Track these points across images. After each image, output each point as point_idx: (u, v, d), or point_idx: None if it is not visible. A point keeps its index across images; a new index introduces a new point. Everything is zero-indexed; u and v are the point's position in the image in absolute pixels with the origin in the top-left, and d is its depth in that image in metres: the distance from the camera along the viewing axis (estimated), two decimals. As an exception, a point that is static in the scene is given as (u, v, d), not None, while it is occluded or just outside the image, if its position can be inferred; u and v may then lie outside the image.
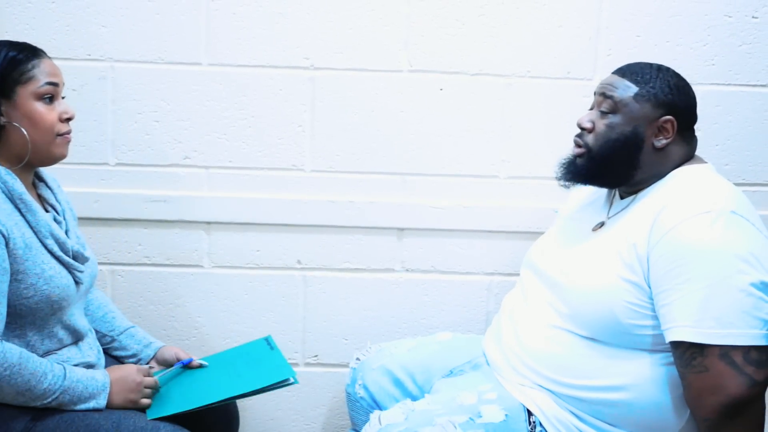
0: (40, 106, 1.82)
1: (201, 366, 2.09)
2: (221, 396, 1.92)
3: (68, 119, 1.87)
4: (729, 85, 2.50)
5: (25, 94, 1.80)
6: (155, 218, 2.51)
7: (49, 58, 1.88)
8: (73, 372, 1.81)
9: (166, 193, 2.49)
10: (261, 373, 2.00)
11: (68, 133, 1.88)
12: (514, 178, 2.53)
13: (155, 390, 1.94)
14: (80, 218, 2.35)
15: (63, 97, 1.89)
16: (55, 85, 1.85)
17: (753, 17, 2.47)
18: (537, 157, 2.50)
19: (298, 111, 2.48)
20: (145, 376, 1.92)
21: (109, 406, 1.84)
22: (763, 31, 2.48)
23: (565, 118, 2.39)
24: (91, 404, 1.82)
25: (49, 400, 1.77)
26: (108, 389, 1.84)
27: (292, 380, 1.94)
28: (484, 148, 2.52)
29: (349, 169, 2.52)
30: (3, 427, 1.76)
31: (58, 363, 1.82)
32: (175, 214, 2.50)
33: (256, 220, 2.52)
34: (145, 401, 1.90)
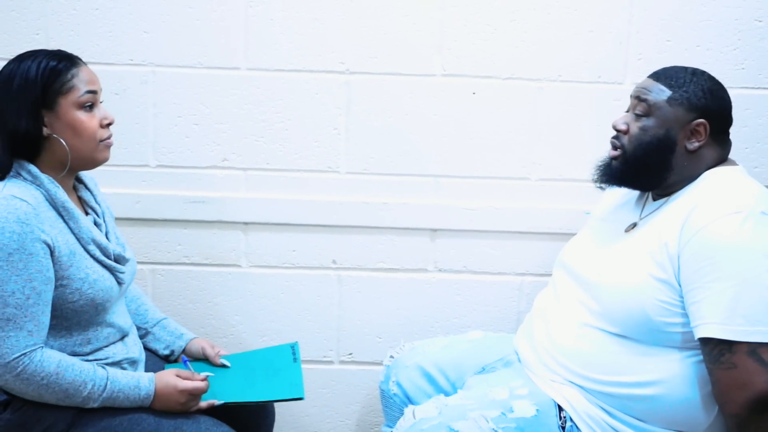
0: (81, 115, 1.84)
1: (224, 366, 2.13)
2: (228, 398, 1.96)
3: (109, 124, 1.90)
4: (759, 88, 2.51)
5: (66, 104, 1.83)
6: (194, 219, 2.55)
7: (86, 64, 1.90)
8: (115, 381, 1.83)
9: (204, 194, 2.53)
10: (274, 385, 2.06)
11: (109, 137, 1.91)
12: (545, 180, 2.56)
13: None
14: (122, 218, 2.41)
15: (101, 102, 1.92)
16: (94, 92, 1.87)
17: (783, 21, 2.48)
18: (568, 159, 2.53)
19: (334, 114, 2.52)
20: (190, 384, 1.90)
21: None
22: (794, 36, 2.50)
23: (596, 121, 2.43)
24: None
25: (91, 406, 1.81)
26: (150, 402, 1.86)
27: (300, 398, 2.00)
28: (516, 150, 2.54)
29: (383, 171, 2.55)
30: (51, 418, 1.81)
31: (102, 367, 1.84)
32: (214, 214, 2.55)
33: (292, 220, 2.56)
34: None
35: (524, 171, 2.56)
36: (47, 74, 1.81)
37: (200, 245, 2.58)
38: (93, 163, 1.91)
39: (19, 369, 1.73)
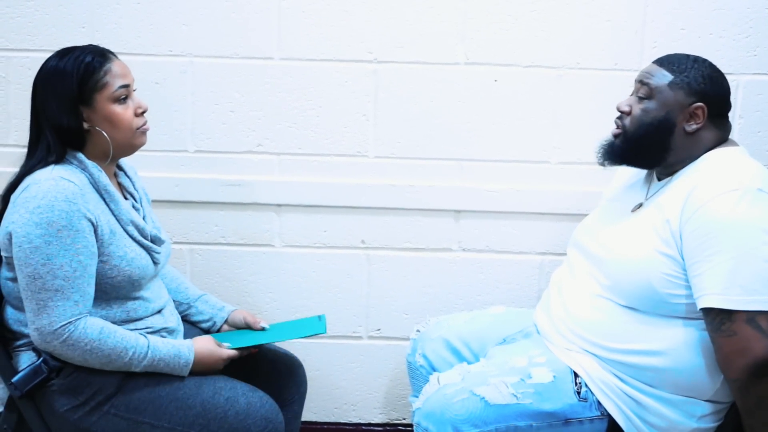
0: (117, 108, 1.95)
1: (263, 328, 2.25)
2: (255, 341, 2.12)
3: (143, 112, 2.01)
4: (770, 74, 2.56)
5: (102, 99, 1.94)
6: (230, 201, 2.64)
7: (117, 57, 1.99)
8: (156, 350, 1.93)
9: (240, 178, 2.63)
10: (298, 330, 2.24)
11: (145, 124, 2.01)
12: (565, 163, 2.62)
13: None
14: (161, 201, 2.51)
15: (135, 90, 2.01)
16: (127, 86, 1.97)
17: (794, 10, 2.53)
18: (586, 143, 2.50)
19: (362, 101, 2.60)
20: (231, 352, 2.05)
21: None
22: (804, 23, 2.54)
23: (613, 107, 2.47)
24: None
25: (134, 370, 1.93)
26: (190, 367, 1.97)
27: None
28: (536, 135, 2.61)
29: (410, 155, 2.62)
30: (99, 383, 1.93)
31: (144, 336, 1.94)
32: (249, 197, 2.64)
33: (323, 202, 2.64)
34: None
35: (544, 155, 2.63)
36: (81, 72, 1.92)
37: (236, 226, 2.67)
38: (132, 149, 2.03)
39: (65, 335, 1.85)
